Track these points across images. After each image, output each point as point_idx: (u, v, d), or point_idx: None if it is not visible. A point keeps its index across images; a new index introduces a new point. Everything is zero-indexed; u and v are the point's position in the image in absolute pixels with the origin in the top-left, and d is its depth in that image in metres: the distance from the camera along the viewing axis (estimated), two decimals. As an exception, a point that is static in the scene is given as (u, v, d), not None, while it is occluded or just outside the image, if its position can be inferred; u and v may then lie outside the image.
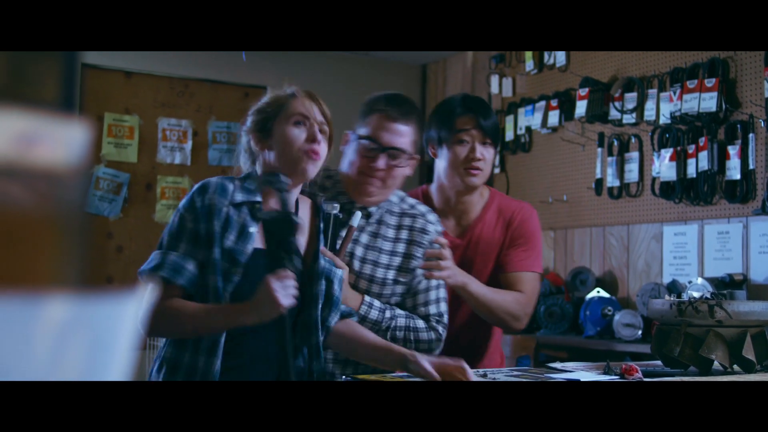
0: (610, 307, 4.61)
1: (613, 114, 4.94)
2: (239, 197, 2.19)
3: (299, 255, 2.14)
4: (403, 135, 2.50)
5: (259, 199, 2.21)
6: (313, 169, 2.22)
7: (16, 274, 0.43)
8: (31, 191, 0.41)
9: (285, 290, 1.97)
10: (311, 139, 2.21)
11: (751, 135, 4.22)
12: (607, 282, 5.00)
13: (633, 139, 4.90)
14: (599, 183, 5.05)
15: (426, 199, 2.88)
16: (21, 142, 0.39)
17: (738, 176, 4.24)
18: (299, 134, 2.21)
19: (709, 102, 4.36)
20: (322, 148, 2.24)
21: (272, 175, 2.14)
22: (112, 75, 5.67)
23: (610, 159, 4.99)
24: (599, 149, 5.06)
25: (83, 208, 0.42)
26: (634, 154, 4.88)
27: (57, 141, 0.40)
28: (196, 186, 2.22)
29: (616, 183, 4.95)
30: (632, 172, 4.88)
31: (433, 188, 2.91)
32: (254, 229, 2.16)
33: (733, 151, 4.27)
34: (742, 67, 4.33)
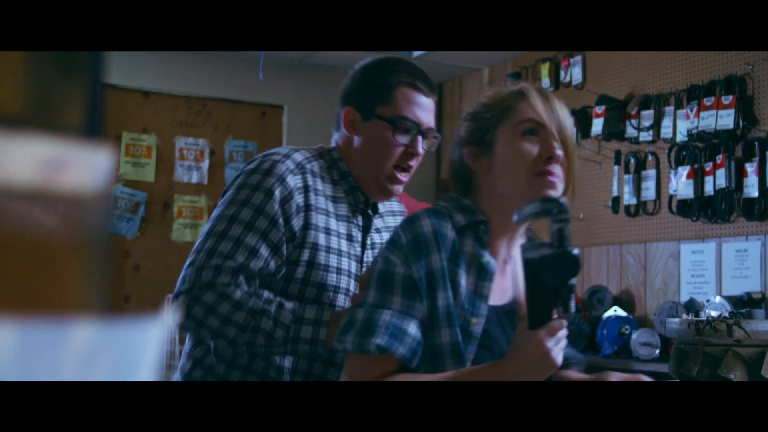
0: (627, 326, 4.59)
1: (630, 131, 4.93)
2: (457, 218, 1.71)
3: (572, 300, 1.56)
4: (432, 112, 2.10)
5: (483, 218, 1.71)
6: (557, 194, 1.69)
7: (42, 297, 0.44)
8: (56, 216, 0.42)
9: (559, 349, 1.54)
10: (548, 154, 1.69)
11: (768, 152, 4.20)
12: (625, 300, 4.98)
13: (650, 157, 4.89)
14: (616, 201, 5.04)
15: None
16: (46, 167, 0.39)
17: (756, 194, 4.22)
18: (530, 149, 1.70)
19: (726, 119, 4.35)
20: (559, 171, 1.71)
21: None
22: (130, 94, 5.72)
23: (626, 177, 4.98)
24: (616, 167, 5.05)
25: (107, 233, 0.43)
26: (651, 172, 4.87)
27: (81, 166, 0.40)
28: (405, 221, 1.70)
29: (633, 201, 4.94)
30: (649, 189, 4.86)
31: None
32: (495, 263, 1.70)
33: (750, 168, 4.26)
34: (759, 84, 4.32)
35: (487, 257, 1.69)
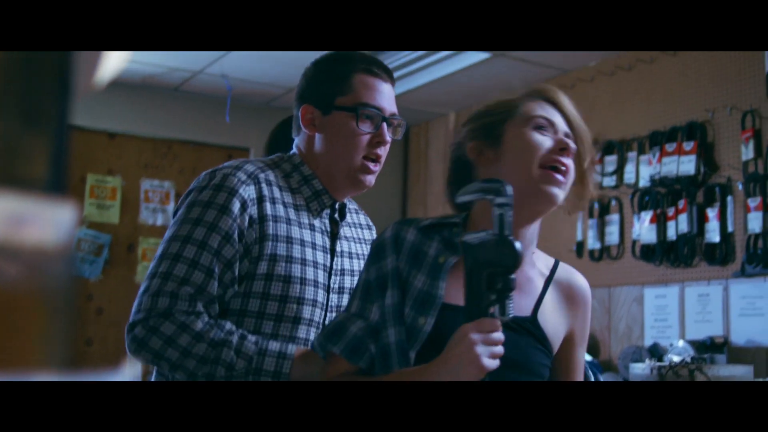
0: (592, 370, 4.60)
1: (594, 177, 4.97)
2: (427, 220, 1.71)
3: (511, 300, 1.45)
4: (393, 99, 2.02)
5: (456, 220, 1.69)
6: (560, 194, 1.65)
7: (3, 348, 0.43)
8: (19, 269, 0.42)
9: (490, 348, 1.44)
10: (561, 148, 1.64)
11: (729, 198, 4.27)
12: (590, 344, 4.99)
13: (613, 202, 4.94)
14: (580, 245, 5.08)
15: None
16: (11, 222, 0.40)
17: (717, 239, 4.28)
18: (543, 141, 1.65)
19: (687, 165, 4.42)
20: (570, 173, 1.66)
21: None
22: (96, 136, 5.70)
23: (590, 221, 5.02)
24: (580, 212, 5.10)
25: (70, 286, 0.43)
26: (615, 217, 4.92)
27: (45, 221, 0.41)
28: (393, 227, 1.71)
29: (597, 245, 4.98)
30: (613, 234, 4.91)
31: None
32: (453, 260, 1.62)
33: (712, 213, 4.32)
34: (719, 131, 4.39)
35: (445, 257, 1.63)
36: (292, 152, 2.05)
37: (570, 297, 1.77)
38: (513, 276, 1.43)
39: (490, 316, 1.44)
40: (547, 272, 1.79)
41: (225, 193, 1.84)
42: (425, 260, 1.65)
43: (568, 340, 1.76)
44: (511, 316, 1.45)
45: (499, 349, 1.45)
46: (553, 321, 1.72)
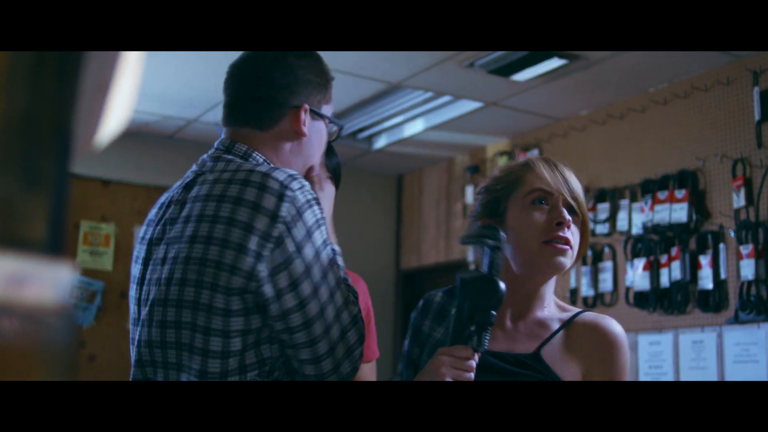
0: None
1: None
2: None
3: (487, 333, 1.61)
4: None
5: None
6: (566, 261, 1.75)
7: None
8: (19, 327, 0.42)
9: (457, 371, 1.58)
10: (558, 222, 1.74)
11: (721, 245, 4.28)
12: (584, 392, 4.98)
13: (606, 249, 4.96)
14: (574, 293, 5.08)
15: None
16: (11, 282, 0.40)
17: (710, 286, 4.29)
18: (539, 217, 1.76)
19: (679, 213, 4.44)
20: (573, 237, 1.76)
21: (489, 228, 1.67)
22: (90, 183, 5.71)
23: (584, 268, 5.03)
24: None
25: (69, 343, 0.44)
26: (608, 264, 4.93)
27: (45, 281, 0.41)
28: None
29: (591, 292, 4.98)
30: (606, 281, 4.92)
31: None
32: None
33: (704, 260, 4.33)
34: (710, 179, 4.42)
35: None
36: (247, 150, 1.79)
37: (589, 338, 1.78)
38: (493, 312, 1.59)
39: (468, 346, 1.60)
40: (566, 317, 1.83)
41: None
42: (448, 317, 1.80)
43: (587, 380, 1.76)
44: (484, 348, 1.60)
45: (468, 375, 1.58)
46: (562, 358, 1.75)
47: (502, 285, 1.59)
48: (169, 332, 1.66)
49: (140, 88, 4.75)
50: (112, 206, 5.78)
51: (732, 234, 4.25)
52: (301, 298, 1.60)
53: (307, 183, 1.68)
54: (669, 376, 4.49)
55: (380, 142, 6.00)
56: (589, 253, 5.01)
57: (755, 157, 4.21)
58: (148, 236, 1.80)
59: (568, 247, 1.73)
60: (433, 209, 6.38)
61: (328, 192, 2.43)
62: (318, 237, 1.64)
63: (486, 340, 1.59)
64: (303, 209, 1.62)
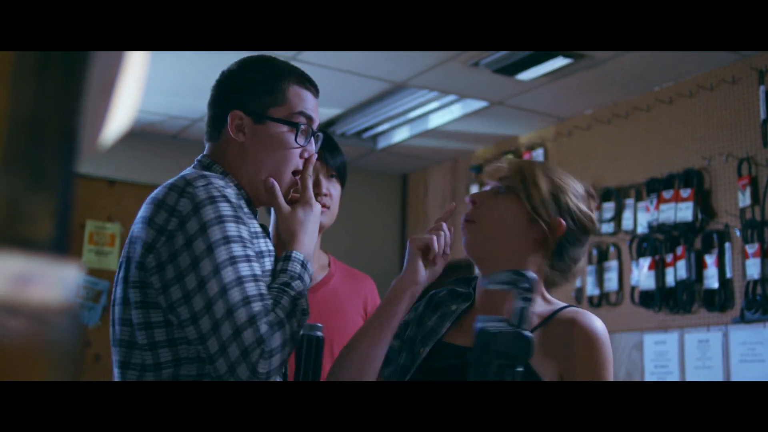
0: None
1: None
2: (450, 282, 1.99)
3: None
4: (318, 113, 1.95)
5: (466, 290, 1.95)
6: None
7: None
8: (25, 326, 0.42)
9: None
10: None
11: (727, 244, 4.28)
12: (589, 391, 4.97)
13: (611, 249, 4.95)
14: (579, 292, 5.08)
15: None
16: (17, 281, 0.41)
17: (716, 285, 4.28)
18: None
19: (685, 212, 4.44)
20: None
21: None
22: (95, 183, 5.72)
23: (589, 268, 5.03)
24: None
25: (74, 343, 0.44)
26: (613, 263, 4.92)
27: (50, 280, 0.42)
28: None
29: (596, 292, 4.98)
30: (611, 281, 4.91)
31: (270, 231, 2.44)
32: (463, 306, 1.92)
33: (710, 260, 4.32)
34: (716, 178, 4.42)
35: (458, 305, 1.91)
36: (209, 163, 1.86)
37: (566, 336, 1.75)
38: (521, 368, 1.46)
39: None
40: (547, 312, 1.81)
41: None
42: (442, 307, 1.92)
43: (568, 377, 1.74)
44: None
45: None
46: (539, 356, 1.69)
47: (533, 340, 1.47)
48: (114, 329, 1.77)
49: (145, 88, 4.76)
50: (117, 206, 5.79)
51: (738, 233, 4.24)
52: (186, 291, 1.62)
53: (217, 182, 1.69)
54: (674, 376, 4.48)
55: (385, 142, 6.00)
56: (594, 252, 5.01)
57: (761, 156, 4.20)
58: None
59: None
60: (438, 209, 6.38)
61: (333, 192, 2.44)
62: (215, 232, 1.63)
63: None
64: (201, 204, 1.64)
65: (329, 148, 2.43)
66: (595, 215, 1.95)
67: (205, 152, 1.90)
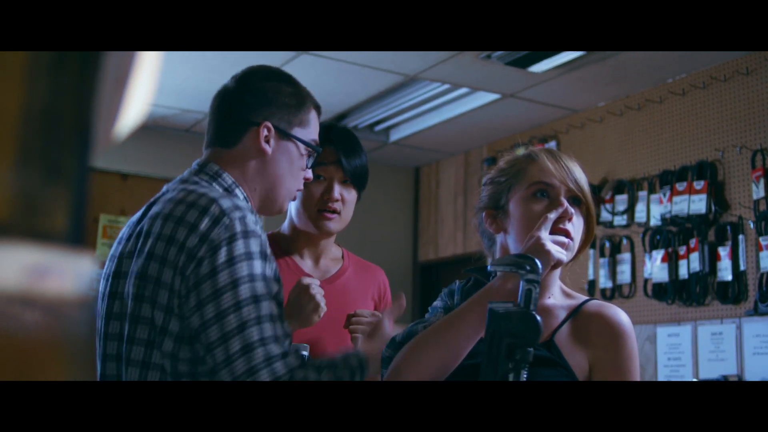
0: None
1: (605, 216, 4.99)
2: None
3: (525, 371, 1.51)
4: None
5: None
6: (566, 255, 1.69)
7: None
8: (41, 318, 0.43)
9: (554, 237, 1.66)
10: (560, 216, 1.70)
11: (741, 236, 4.26)
12: (602, 384, 4.97)
13: (624, 241, 4.94)
14: (592, 284, 5.07)
15: (279, 242, 2.43)
16: (32, 274, 0.41)
17: (730, 277, 4.27)
18: (540, 210, 1.73)
19: (698, 204, 4.42)
20: (575, 228, 1.73)
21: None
22: (109, 177, 5.74)
23: (602, 260, 5.02)
24: (591, 251, 5.10)
25: (90, 335, 0.44)
26: (626, 256, 4.91)
27: (65, 273, 0.42)
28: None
29: (609, 284, 4.97)
30: (624, 273, 4.90)
31: (285, 228, 2.46)
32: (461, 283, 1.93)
33: (723, 252, 4.31)
34: (729, 170, 4.40)
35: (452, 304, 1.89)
36: (218, 170, 1.84)
37: (595, 328, 1.77)
38: (531, 349, 1.48)
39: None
40: (574, 305, 1.83)
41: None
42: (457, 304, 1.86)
43: (599, 370, 1.75)
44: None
45: (562, 239, 1.65)
46: (571, 347, 1.75)
47: (541, 321, 1.49)
48: (113, 344, 1.74)
49: (158, 82, 4.77)
50: (130, 200, 5.81)
51: (751, 225, 4.22)
52: (203, 320, 1.61)
53: (251, 216, 1.69)
54: (688, 368, 4.47)
55: (397, 135, 6.00)
56: (607, 244, 5.00)
57: (775, 147, 4.18)
58: (114, 251, 1.89)
59: (568, 240, 1.69)
60: (451, 201, 6.37)
61: (346, 197, 2.39)
62: (242, 268, 1.63)
63: (524, 377, 1.49)
64: (235, 237, 1.64)
65: (346, 151, 2.37)
66: None
67: (208, 157, 1.87)
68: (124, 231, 1.90)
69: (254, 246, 1.65)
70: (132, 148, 5.68)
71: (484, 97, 5.20)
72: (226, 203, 1.69)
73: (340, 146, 2.36)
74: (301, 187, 1.91)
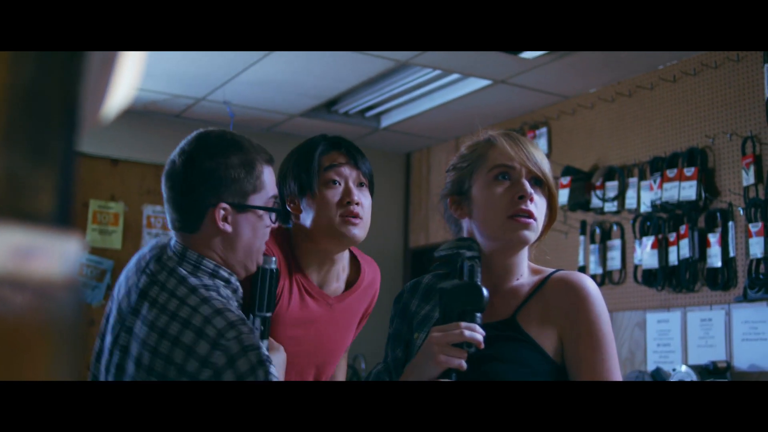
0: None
1: (595, 202, 5.00)
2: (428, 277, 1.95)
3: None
4: None
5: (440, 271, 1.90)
6: (530, 234, 1.76)
7: (11, 376, 0.44)
8: (27, 300, 0.43)
9: (448, 347, 1.62)
10: (520, 196, 1.75)
11: (730, 223, 4.27)
12: (592, 369, 4.98)
13: (615, 227, 4.95)
14: (582, 270, 5.08)
15: (293, 267, 2.20)
16: (18, 255, 0.41)
17: (719, 264, 4.28)
18: (501, 193, 1.77)
19: (688, 191, 4.43)
20: (538, 209, 1.78)
21: (464, 240, 1.77)
22: (99, 162, 5.72)
23: (592, 246, 5.03)
24: (581, 237, 5.11)
25: (77, 316, 0.44)
26: (616, 242, 4.92)
27: (52, 254, 0.42)
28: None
29: (599, 270, 4.98)
30: (614, 259, 4.92)
31: (300, 253, 2.22)
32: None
33: (713, 239, 4.32)
34: (720, 157, 4.41)
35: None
36: (198, 258, 1.91)
37: (560, 295, 1.80)
38: (479, 314, 1.66)
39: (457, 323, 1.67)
40: (539, 280, 1.86)
41: None
42: (433, 293, 1.89)
43: (568, 338, 1.76)
44: (473, 349, 1.65)
45: (458, 362, 1.63)
46: (538, 320, 1.78)
47: (485, 289, 1.66)
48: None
49: (148, 67, 4.74)
50: (120, 185, 5.79)
51: (741, 212, 4.24)
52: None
53: (246, 329, 1.76)
54: (677, 355, 4.49)
55: (388, 121, 5.99)
56: (598, 231, 5.01)
57: (765, 134, 4.19)
58: (109, 311, 2.08)
59: (531, 220, 1.75)
60: (441, 187, 6.37)
61: (364, 201, 2.21)
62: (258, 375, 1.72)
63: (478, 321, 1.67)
64: (236, 357, 1.72)
65: (357, 155, 2.23)
66: None
67: (182, 242, 1.93)
68: (121, 280, 2.08)
69: (254, 357, 1.73)
70: (122, 133, 5.66)
71: (475, 83, 5.19)
72: (219, 323, 1.75)
73: (350, 150, 2.23)
74: (267, 238, 1.96)
